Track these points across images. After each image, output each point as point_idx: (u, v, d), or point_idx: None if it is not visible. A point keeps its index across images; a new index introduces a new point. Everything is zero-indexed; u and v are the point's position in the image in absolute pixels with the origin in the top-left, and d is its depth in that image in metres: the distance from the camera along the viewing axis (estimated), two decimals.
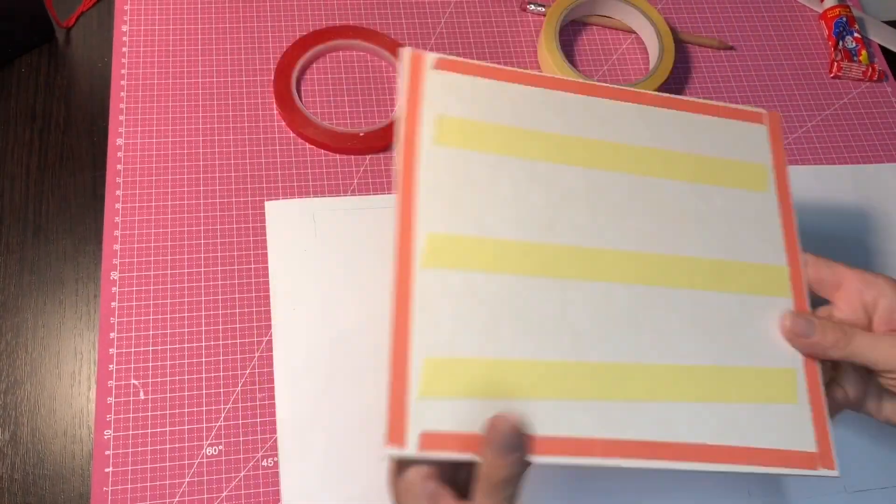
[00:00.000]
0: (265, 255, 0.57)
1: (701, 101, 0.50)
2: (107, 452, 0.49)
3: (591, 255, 0.42)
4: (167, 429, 0.51)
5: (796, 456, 0.42)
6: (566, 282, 0.41)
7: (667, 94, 0.49)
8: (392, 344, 0.38)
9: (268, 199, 0.59)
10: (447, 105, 0.41)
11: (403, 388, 0.38)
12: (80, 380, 0.53)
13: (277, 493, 0.50)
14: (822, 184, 0.67)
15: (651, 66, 0.68)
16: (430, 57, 0.43)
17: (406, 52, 0.42)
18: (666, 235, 0.44)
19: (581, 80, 0.47)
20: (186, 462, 0.50)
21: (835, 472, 0.42)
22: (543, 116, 0.44)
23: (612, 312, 0.41)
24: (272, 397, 0.52)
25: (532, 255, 0.40)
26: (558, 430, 0.38)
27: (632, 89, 0.48)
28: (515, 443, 0.34)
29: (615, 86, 0.48)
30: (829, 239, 0.64)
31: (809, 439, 0.42)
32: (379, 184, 0.61)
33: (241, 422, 0.51)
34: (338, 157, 0.61)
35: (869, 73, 0.73)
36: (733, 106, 0.50)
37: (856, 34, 0.73)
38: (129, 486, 0.49)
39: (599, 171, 0.44)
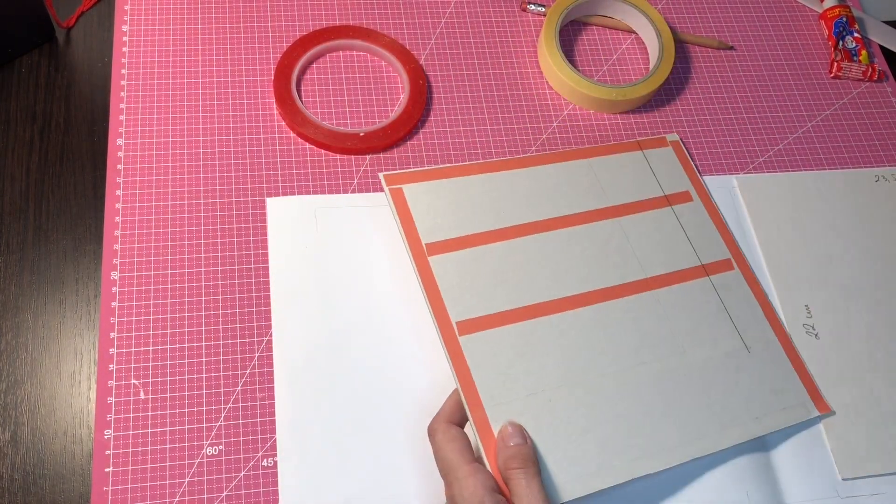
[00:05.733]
0: (265, 255, 0.57)
1: (610, 144, 0.63)
2: (107, 452, 0.50)
3: (561, 302, 0.55)
4: (167, 429, 0.51)
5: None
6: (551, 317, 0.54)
7: (577, 148, 0.62)
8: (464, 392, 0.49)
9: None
10: (431, 230, 0.54)
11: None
12: (80, 380, 0.53)
13: (277, 492, 0.50)
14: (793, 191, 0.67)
15: (651, 66, 0.68)
16: (407, 188, 0.56)
17: (384, 185, 0.56)
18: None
19: (509, 159, 0.60)
20: (186, 462, 0.50)
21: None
22: (496, 209, 0.57)
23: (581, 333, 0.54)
24: (272, 397, 0.52)
25: (521, 312, 0.53)
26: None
27: (554, 153, 0.61)
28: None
29: (535, 154, 0.61)
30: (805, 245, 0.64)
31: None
32: (379, 184, 0.61)
33: (241, 422, 0.51)
34: (338, 156, 0.61)
35: (869, 73, 0.73)
36: (638, 140, 0.64)
37: (856, 34, 0.73)
38: (129, 486, 0.49)
39: (551, 234, 0.57)
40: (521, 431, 0.48)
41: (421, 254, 0.53)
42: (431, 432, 0.48)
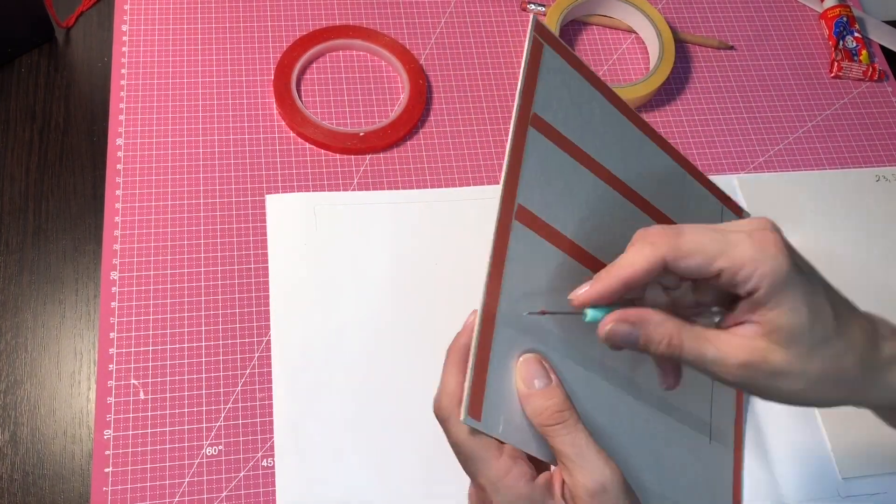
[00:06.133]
0: (265, 255, 0.57)
1: (705, 175, 0.55)
2: (107, 452, 0.49)
3: None
4: (167, 429, 0.51)
5: None
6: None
7: (679, 151, 0.54)
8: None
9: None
10: (545, 106, 0.46)
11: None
12: (79, 380, 0.53)
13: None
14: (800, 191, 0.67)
15: (651, 65, 0.68)
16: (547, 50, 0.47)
17: (531, 27, 0.46)
18: None
19: (635, 113, 0.51)
20: (186, 462, 0.50)
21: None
22: (605, 144, 0.50)
23: None
24: (272, 397, 0.52)
25: (576, 250, 0.47)
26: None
27: (663, 139, 0.53)
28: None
29: (650, 128, 0.52)
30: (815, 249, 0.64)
31: None
32: (379, 183, 0.61)
33: (241, 422, 0.51)
34: (338, 156, 0.61)
35: (869, 73, 0.73)
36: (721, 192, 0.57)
37: (856, 34, 0.73)
38: (129, 486, 0.49)
39: (630, 206, 0.51)
40: (541, 364, 0.39)
41: (524, 118, 0.45)
42: (443, 417, 0.39)
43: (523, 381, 0.39)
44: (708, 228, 0.37)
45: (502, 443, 0.38)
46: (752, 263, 0.35)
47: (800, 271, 0.36)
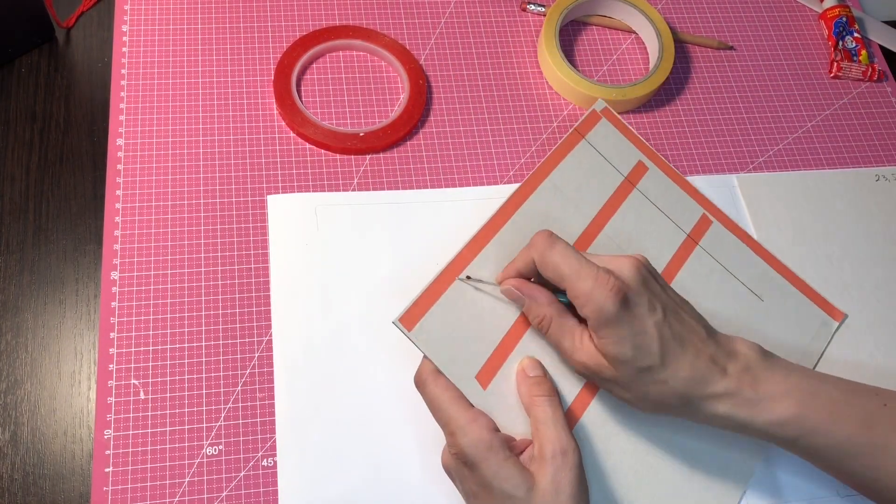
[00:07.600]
0: (265, 255, 0.57)
1: (558, 146, 0.57)
2: (107, 452, 0.50)
3: None
4: (167, 429, 0.51)
5: None
6: None
7: (535, 169, 0.56)
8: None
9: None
10: (450, 361, 0.48)
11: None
12: (80, 380, 0.53)
13: (277, 492, 0.50)
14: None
15: (651, 66, 0.68)
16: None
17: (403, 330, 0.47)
18: None
19: (484, 227, 0.52)
20: (186, 462, 0.50)
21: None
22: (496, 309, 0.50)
23: None
24: (272, 397, 0.52)
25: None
26: None
27: (517, 190, 0.54)
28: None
29: (499, 209, 0.53)
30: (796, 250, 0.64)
31: None
32: (379, 184, 0.61)
33: (241, 422, 0.51)
34: (338, 156, 0.61)
35: (869, 73, 0.73)
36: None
37: (856, 34, 0.73)
38: (129, 486, 0.49)
39: None
40: (540, 365, 0.48)
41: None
42: (420, 383, 0.46)
43: (525, 368, 0.47)
44: (575, 255, 0.45)
45: (468, 402, 0.45)
46: (584, 297, 0.43)
47: (629, 310, 0.43)
